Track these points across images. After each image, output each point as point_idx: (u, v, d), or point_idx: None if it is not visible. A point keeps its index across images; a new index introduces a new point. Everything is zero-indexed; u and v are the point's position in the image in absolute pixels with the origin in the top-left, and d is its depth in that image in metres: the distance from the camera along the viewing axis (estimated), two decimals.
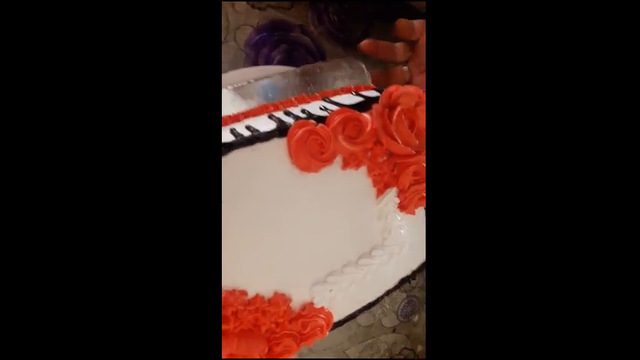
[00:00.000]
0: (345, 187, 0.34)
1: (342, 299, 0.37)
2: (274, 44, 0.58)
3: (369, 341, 0.65)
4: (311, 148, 0.31)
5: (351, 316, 0.39)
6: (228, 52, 0.55)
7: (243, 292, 0.33)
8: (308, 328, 0.35)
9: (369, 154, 0.33)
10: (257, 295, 0.34)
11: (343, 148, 0.31)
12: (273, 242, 0.33)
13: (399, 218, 0.38)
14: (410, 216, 0.38)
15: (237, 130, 0.32)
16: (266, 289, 0.34)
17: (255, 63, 0.56)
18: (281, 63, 0.56)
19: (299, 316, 0.35)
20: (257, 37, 0.57)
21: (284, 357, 0.35)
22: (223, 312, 0.32)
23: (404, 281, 0.41)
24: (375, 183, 0.35)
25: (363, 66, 0.40)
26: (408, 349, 0.69)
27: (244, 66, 0.55)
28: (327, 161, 0.32)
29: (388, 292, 0.41)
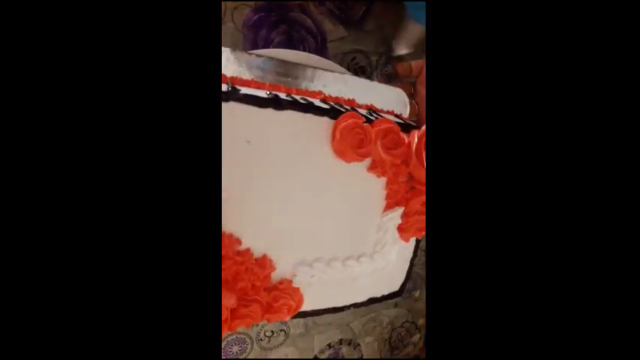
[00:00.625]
0: (362, 188, 0.37)
1: (315, 291, 0.39)
2: (273, 25, 0.57)
3: (372, 315, 0.67)
4: (352, 139, 0.33)
5: (314, 313, 0.40)
6: (226, 33, 0.52)
7: (238, 241, 0.33)
8: (278, 304, 0.36)
9: (395, 168, 0.36)
10: (248, 249, 0.34)
11: (377, 152, 0.34)
12: (281, 205, 0.34)
13: (394, 239, 0.41)
14: (402, 242, 0.42)
15: (294, 96, 0.33)
16: (257, 248, 0.34)
17: (254, 44, 0.55)
18: (281, 44, 0.56)
19: (275, 287, 0.36)
20: (255, 18, 0.55)
21: (245, 321, 0.34)
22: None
23: (371, 301, 0.44)
24: (388, 197, 0.38)
25: (406, 100, 0.43)
26: (409, 322, 0.71)
27: (243, 47, 0.53)
28: (361, 157, 0.34)
29: (355, 306, 0.43)
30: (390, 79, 0.62)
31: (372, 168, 0.36)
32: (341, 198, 0.37)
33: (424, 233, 0.42)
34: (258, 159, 0.31)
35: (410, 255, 0.44)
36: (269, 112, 0.30)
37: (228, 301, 0.32)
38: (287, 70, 0.37)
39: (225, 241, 0.32)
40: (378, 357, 0.70)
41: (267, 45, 0.55)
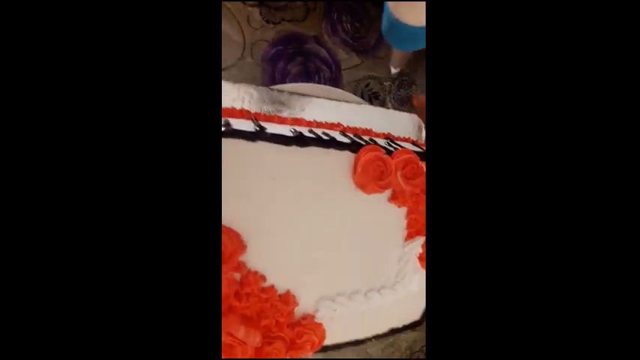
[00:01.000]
0: (382, 219, 0.37)
1: (337, 325, 0.38)
2: (290, 57, 0.59)
3: (390, 340, 0.65)
4: (374, 171, 0.33)
5: (336, 346, 0.40)
6: (244, 68, 0.54)
7: (262, 278, 0.33)
8: (302, 340, 0.35)
9: (415, 197, 0.36)
10: (272, 286, 0.34)
11: (397, 183, 0.34)
12: (304, 240, 0.34)
13: (415, 268, 0.41)
14: (423, 271, 0.41)
15: (316, 132, 0.34)
16: (281, 284, 0.34)
17: (272, 77, 0.57)
18: (297, 75, 0.58)
19: (298, 323, 0.36)
20: (273, 51, 0.57)
21: (270, 357, 0.34)
22: (240, 290, 0.32)
23: (393, 332, 0.44)
24: (409, 226, 0.38)
25: (422, 124, 0.43)
26: None
27: (262, 80, 0.55)
28: (382, 188, 0.34)
29: (376, 337, 0.43)
30: (402, 103, 0.63)
31: (392, 199, 0.36)
32: (362, 230, 0.37)
33: None
34: (282, 195, 0.32)
35: None
36: (293, 150, 0.31)
37: (253, 339, 0.32)
38: (302, 103, 0.37)
39: (250, 279, 0.32)
40: None
41: (284, 76, 0.57)
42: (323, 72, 0.59)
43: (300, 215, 0.33)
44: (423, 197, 0.36)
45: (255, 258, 0.32)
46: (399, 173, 0.34)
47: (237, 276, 0.32)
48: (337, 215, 0.35)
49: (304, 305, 0.36)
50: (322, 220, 0.34)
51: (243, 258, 0.32)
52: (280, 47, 0.59)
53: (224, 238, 0.30)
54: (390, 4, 0.35)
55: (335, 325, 0.38)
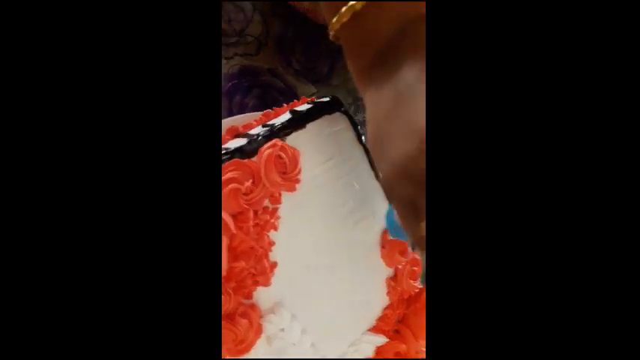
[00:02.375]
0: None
1: None
2: (246, 90, 0.59)
3: None
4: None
5: None
6: None
7: None
8: None
9: None
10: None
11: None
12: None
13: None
14: None
15: None
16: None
17: (230, 111, 0.57)
18: (255, 108, 0.58)
19: None
20: (229, 85, 0.58)
21: None
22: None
23: None
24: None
25: None
26: None
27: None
28: None
29: None
30: (363, 125, 0.64)
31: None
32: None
33: None
34: None
35: None
36: None
37: None
38: None
39: None
40: None
41: (242, 110, 0.57)
42: (280, 103, 0.59)
43: None
44: None
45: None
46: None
47: None
48: None
49: None
50: None
51: None
52: (235, 81, 0.59)
53: None
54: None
55: None
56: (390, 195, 0.33)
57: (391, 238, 0.44)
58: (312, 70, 0.63)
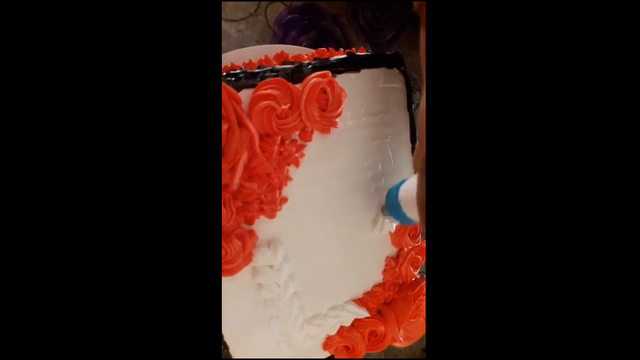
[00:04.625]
0: None
1: None
2: (304, 28, 0.56)
3: None
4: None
5: None
6: (255, 26, 0.51)
7: None
8: None
9: None
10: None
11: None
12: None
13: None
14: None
15: None
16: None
17: (282, 43, 0.54)
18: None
19: None
20: (288, 17, 0.55)
21: None
22: None
23: None
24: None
25: None
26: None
27: (271, 43, 0.53)
28: None
29: None
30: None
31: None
32: None
33: None
34: None
35: None
36: None
37: None
38: None
39: None
40: None
41: (294, 45, 0.54)
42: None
43: None
44: None
45: None
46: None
47: None
48: None
49: None
50: None
51: None
52: (296, 15, 0.56)
53: None
54: (401, 200, 0.36)
55: None
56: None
57: (384, 216, 0.41)
58: (375, 32, 0.60)
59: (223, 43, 0.51)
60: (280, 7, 0.53)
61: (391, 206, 0.38)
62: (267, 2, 0.52)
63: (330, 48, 0.42)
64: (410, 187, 0.35)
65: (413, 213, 0.35)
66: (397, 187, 0.37)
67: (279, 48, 0.43)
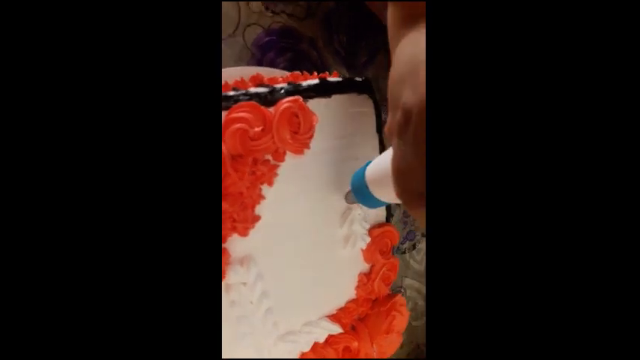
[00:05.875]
0: None
1: None
2: (281, 50, 0.58)
3: None
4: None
5: None
6: (234, 47, 0.53)
7: None
8: None
9: None
10: None
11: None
12: None
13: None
14: None
15: None
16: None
17: (260, 64, 0.56)
18: (284, 70, 0.57)
19: None
20: (266, 39, 0.56)
21: None
22: None
23: None
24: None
25: None
26: None
27: (248, 64, 0.54)
28: None
29: None
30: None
31: None
32: None
33: None
34: None
35: None
36: None
37: None
38: None
39: None
40: None
41: (271, 67, 0.56)
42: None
43: None
44: None
45: None
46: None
47: None
48: None
49: None
50: None
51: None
52: (274, 37, 0.58)
53: None
54: (368, 180, 0.36)
55: None
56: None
57: (348, 203, 0.41)
58: (351, 55, 0.62)
59: None
60: (258, 30, 0.55)
61: (357, 189, 0.37)
62: (245, 25, 0.54)
63: (304, 71, 0.44)
64: (379, 164, 0.35)
65: (382, 192, 0.35)
66: (362, 170, 0.37)
67: (255, 70, 0.45)
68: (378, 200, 0.36)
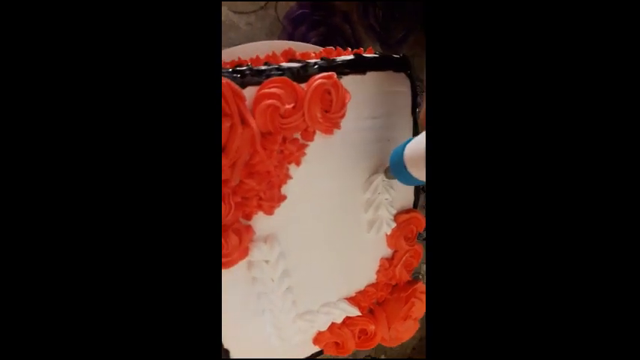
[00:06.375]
0: None
1: None
2: (313, 24, 0.56)
3: None
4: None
5: None
6: (265, 20, 0.51)
7: None
8: None
9: None
10: None
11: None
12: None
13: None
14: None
15: None
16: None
17: (291, 38, 0.54)
18: (316, 45, 0.55)
19: None
20: (298, 12, 0.54)
21: None
22: None
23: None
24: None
25: None
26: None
27: (279, 38, 0.53)
28: None
29: None
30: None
31: None
32: None
33: None
34: None
35: None
36: None
37: None
38: None
39: None
40: None
41: (303, 41, 0.54)
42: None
43: None
44: None
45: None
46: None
47: None
48: None
49: None
50: None
51: None
52: (307, 10, 0.56)
53: None
54: (406, 158, 0.35)
55: None
56: None
57: (387, 179, 0.40)
58: (385, 31, 0.60)
59: (232, 35, 0.51)
60: (291, 2, 0.53)
61: (396, 166, 0.36)
62: None
63: (338, 46, 0.42)
64: (418, 142, 0.34)
65: (418, 171, 0.34)
66: (403, 147, 0.36)
67: (287, 44, 0.43)
68: (416, 179, 0.35)
